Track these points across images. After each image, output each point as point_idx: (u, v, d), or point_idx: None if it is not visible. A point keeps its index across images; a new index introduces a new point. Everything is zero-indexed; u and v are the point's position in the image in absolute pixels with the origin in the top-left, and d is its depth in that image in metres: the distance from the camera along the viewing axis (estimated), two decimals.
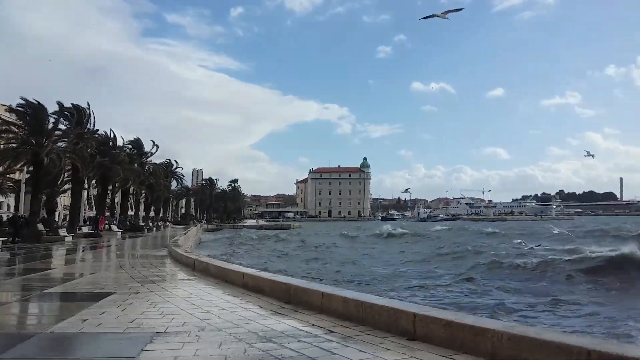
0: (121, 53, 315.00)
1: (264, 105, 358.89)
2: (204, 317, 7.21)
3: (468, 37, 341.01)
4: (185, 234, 38.38)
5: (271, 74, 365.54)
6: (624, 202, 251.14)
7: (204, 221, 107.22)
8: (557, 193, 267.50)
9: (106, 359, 5.17)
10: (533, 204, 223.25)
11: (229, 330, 6.34)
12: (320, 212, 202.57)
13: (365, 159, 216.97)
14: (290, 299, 8.32)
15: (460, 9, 37.62)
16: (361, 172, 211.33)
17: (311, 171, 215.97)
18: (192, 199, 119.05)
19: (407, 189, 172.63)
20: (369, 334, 5.96)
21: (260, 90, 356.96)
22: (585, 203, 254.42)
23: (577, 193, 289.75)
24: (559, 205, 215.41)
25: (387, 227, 70.66)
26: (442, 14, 33.18)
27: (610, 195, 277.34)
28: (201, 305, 8.23)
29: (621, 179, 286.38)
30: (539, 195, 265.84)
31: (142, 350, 5.32)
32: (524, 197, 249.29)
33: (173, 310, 7.82)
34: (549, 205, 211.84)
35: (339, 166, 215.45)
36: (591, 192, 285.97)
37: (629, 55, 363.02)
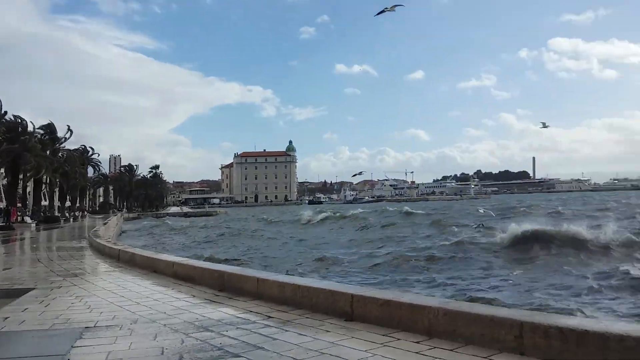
0: (29, 30, 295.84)
1: (185, 88, 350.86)
2: (135, 309, 6.95)
3: (388, 20, 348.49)
4: (105, 224, 36.91)
5: (191, 55, 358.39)
6: (537, 180, 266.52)
7: (124, 210, 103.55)
8: (475, 173, 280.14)
9: (34, 357, 4.86)
10: (453, 184, 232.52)
11: (163, 321, 6.15)
12: (246, 197, 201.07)
13: (290, 142, 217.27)
14: (224, 287, 8.18)
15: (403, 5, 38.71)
16: (287, 156, 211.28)
17: (236, 155, 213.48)
18: (110, 187, 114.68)
19: (360, 172, 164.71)
20: (307, 317, 5.97)
21: (180, 72, 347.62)
22: (501, 182, 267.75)
23: (494, 172, 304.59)
24: (477, 185, 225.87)
25: (307, 213, 67.49)
26: (391, 7, 34.45)
27: (524, 174, 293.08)
28: (130, 297, 7.93)
29: (534, 159, 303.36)
30: (458, 175, 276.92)
31: (72, 346, 5.04)
32: (444, 178, 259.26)
33: (101, 303, 7.48)
34: (467, 184, 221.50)
35: (265, 150, 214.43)
36: (506, 172, 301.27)
37: (540, 39, 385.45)
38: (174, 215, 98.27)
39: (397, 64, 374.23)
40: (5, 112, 41.02)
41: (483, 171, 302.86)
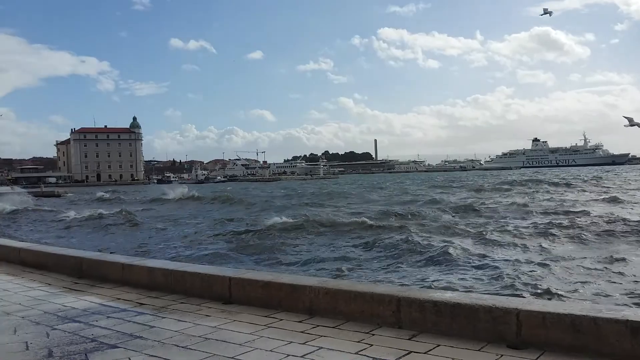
0: None
1: (6, 55, 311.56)
2: None
3: None
4: None
5: (11, 18, 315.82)
6: (379, 161, 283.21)
7: None
8: (323, 154, 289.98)
9: None
10: (303, 164, 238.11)
11: (20, 313, 5.63)
12: (87, 177, 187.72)
13: (135, 118, 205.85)
14: (83, 274, 7.67)
15: None
16: (131, 133, 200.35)
17: (73, 131, 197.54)
18: None
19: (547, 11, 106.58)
20: (183, 303, 5.84)
21: (1, 37, 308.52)
22: (347, 162, 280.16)
23: (340, 154, 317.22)
24: (325, 165, 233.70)
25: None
26: None
27: (367, 155, 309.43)
28: None
29: (375, 141, 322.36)
30: (307, 155, 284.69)
31: None
32: (295, 158, 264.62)
33: None
34: (317, 165, 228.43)
35: (106, 126, 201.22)
36: (352, 152, 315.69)
37: (371, 28, 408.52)
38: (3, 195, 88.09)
39: (235, 43, 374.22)
40: None
41: (330, 152, 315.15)
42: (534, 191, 45.25)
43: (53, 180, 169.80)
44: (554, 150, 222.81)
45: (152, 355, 4.11)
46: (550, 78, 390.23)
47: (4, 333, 4.86)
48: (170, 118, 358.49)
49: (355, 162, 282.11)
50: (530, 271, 12.18)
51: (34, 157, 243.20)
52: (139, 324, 5.05)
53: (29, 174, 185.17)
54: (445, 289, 8.62)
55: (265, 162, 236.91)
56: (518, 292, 9.97)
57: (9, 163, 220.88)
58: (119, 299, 6.22)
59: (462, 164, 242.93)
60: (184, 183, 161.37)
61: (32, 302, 6.18)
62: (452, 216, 26.66)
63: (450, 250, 15.03)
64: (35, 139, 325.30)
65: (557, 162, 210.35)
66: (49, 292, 6.74)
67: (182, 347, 4.30)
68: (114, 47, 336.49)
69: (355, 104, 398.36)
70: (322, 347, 4.09)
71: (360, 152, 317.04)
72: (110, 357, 4.13)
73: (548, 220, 22.28)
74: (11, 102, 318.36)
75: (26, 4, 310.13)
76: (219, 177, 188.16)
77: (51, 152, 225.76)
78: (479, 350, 3.79)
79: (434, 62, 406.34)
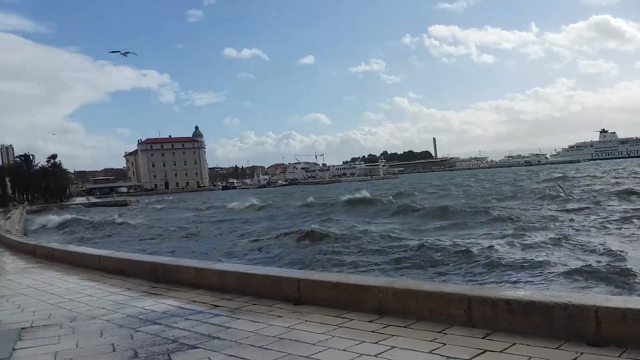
0: None
1: (73, 72, 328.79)
2: (71, 306, 6.67)
3: (271, 5, 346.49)
4: (8, 217, 34.53)
5: (76, 37, 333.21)
6: (439, 160, 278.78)
7: (25, 203, 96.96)
8: (381, 154, 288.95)
9: None
10: (362, 165, 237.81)
11: (105, 317, 5.96)
12: (156, 185, 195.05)
13: (197, 127, 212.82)
14: (159, 278, 8.01)
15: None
16: (195, 142, 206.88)
17: (140, 142, 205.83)
18: (7, 179, 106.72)
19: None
20: (255, 304, 6.01)
21: (66, 55, 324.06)
22: (406, 162, 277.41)
23: (399, 153, 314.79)
24: (385, 165, 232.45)
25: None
26: (124, 53, 34.09)
27: (426, 154, 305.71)
28: (61, 294, 7.59)
29: (434, 139, 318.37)
30: (366, 156, 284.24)
31: (13, 349, 4.80)
32: (353, 159, 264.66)
33: (30, 302, 7.10)
34: (376, 165, 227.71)
35: (170, 136, 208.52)
36: (410, 152, 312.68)
37: (421, 26, 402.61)
38: (80, 206, 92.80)
39: (287, 49, 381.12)
40: None
41: (389, 152, 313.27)
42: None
43: (124, 189, 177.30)
44: (624, 141, 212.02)
45: (230, 355, 4.27)
46: (613, 67, 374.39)
47: (92, 335, 5.17)
48: (230, 126, 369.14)
49: (415, 162, 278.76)
50: (606, 268, 11.71)
51: (105, 169, 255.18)
52: (216, 325, 5.25)
53: (101, 185, 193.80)
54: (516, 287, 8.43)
55: (324, 164, 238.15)
56: (594, 290, 9.65)
57: (82, 175, 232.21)
58: (195, 301, 6.47)
59: (526, 159, 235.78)
60: (248, 188, 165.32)
61: (114, 306, 6.53)
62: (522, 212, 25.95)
63: (519, 249, 14.68)
64: (105, 151, 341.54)
65: (629, 153, 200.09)
66: (129, 297, 7.09)
67: (258, 347, 4.44)
68: (172, 60, 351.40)
69: (410, 103, 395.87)
70: (395, 347, 4.13)
71: (419, 151, 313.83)
72: (192, 357, 4.31)
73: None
74: (80, 117, 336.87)
75: (88, 23, 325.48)
76: (280, 181, 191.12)
77: (121, 163, 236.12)
78: (557, 348, 3.71)
79: (488, 56, 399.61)
